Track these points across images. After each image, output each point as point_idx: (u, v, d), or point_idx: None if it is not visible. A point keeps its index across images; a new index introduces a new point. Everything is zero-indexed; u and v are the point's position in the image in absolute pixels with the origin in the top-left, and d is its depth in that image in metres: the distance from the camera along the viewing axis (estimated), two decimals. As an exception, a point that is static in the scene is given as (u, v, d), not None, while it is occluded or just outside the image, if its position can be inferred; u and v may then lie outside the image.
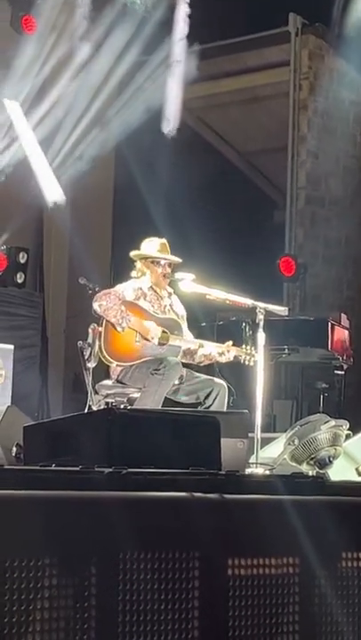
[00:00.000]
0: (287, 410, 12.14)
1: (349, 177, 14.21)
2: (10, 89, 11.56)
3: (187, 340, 7.67)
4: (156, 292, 7.73)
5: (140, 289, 7.67)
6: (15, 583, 3.35)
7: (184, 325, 7.77)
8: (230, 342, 7.71)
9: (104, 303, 7.44)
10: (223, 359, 7.64)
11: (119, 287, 7.70)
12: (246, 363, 7.56)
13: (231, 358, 7.63)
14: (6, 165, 11.67)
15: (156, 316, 7.61)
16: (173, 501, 3.89)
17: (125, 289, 7.65)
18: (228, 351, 7.62)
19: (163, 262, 7.70)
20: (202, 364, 7.77)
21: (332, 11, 13.05)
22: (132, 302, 7.57)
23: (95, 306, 7.46)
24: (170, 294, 7.82)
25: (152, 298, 7.69)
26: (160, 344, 7.50)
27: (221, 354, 7.62)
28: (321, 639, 4.15)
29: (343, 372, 10.87)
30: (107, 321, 7.43)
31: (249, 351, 7.57)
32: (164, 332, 7.54)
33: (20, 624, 3.35)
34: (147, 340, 7.48)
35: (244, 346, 7.71)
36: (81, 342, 7.54)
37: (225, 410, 7.25)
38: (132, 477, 3.94)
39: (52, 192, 12.08)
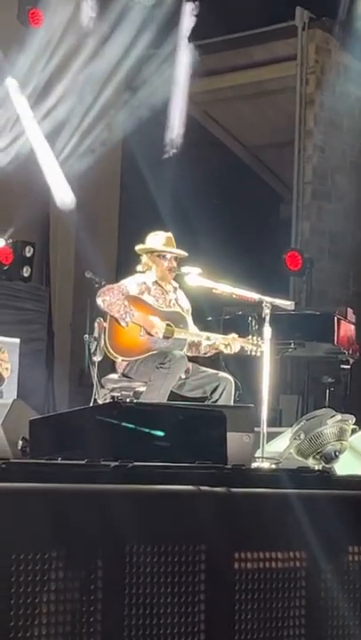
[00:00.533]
0: (293, 404, 12.15)
1: (356, 172, 14.20)
2: (16, 82, 11.56)
3: (192, 332, 7.67)
4: (160, 286, 7.72)
5: (145, 283, 7.67)
6: (22, 576, 3.36)
7: (189, 319, 7.76)
8: (235, 335, 7.70)
9: (107, 298, 7.44)
10: (228, 350, 7.63)
11: (123, 282, 7.70)
12: (253, 354, 7.55)
13: (236, 350, 7.62)
14: (12, 159, 11.67)
15: (161, 310, 7.61)
16: (179, 495, 3.89)
17: (129, 284, 7.65)
18: (234, 343, 7.61)
19: (168, 256, 7.70)
20: (208, 355, 7.76)
21: (338, 5, 13.03)
22: (135, 297, 7.57)
23: (99, 301, 7.47)
24: (175, 289, 7.82)
25: (156, 292, 7.69)
26: (165, 337, 7.51)
27: (226, 345, 7.61)
28: (327, 633, 4.15)
29: (349, 367, 10.88)
30: (111, 316, 7.43)
31: (255, 342, 7.56)
32: (168, 325, 7.54)
33: (27, 617, 3.35)
34: (150, 334, 7.48)
35: (250, 337, 7.70)
36: (87, 336, 7.55)
37: (231, 404, 7.25)
38: (138, 471, 3.94)
39: (59, 187, 12.08)
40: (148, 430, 4.56)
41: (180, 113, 12.89)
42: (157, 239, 7.76)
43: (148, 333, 7.47)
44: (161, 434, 4.55)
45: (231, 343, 7.59)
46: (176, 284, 7.82)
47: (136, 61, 12.38)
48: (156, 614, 3.66)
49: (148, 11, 11.90)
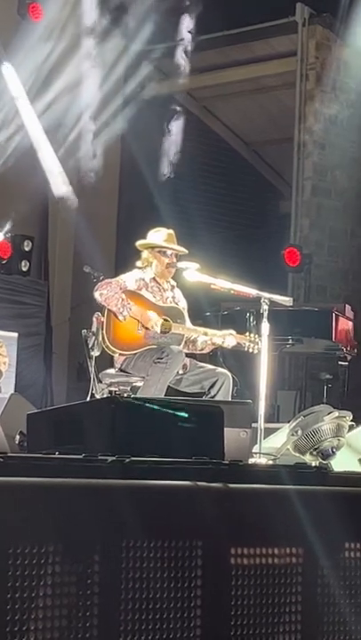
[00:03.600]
0: (291, 400, 12.14)
1: (356, 168, 14.17)
2: (16, 77, 11.55)
3: (189, 328, 7.67)
4: (158, 283, 7.73)
5: (143, 280, 7.67)
6: (19, 570, 3.36)
7: (186, 316, 7.77)
8: (233, 331, 7.71)
9: (105, 292, 7.45)
10: (225, 344, 7.64)
11: (121, 277, 7.71)
12: (250, 350, 7.56)
13: (234, 343, 7.62)
14: (12, 153, 11.66)
15: (158, 305, 7.61)
16: (176, 490, 3.90)
17: (127, 279, 7.65)
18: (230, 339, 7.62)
19: (169, 252, 7.70)
20: (204, 351, 7.77)
21: (339, 1, 13.02)
22: (133, 291, 7.57)
23: (96, 295, 7.47)
24: (173, 287, 7.82)
25: (154, 289, 7.69)
26: (163, 332, 7.51)
27: (223, 340, 7.61)
28: (323, 629, 4.15)
29: (347, 363, 10.87)
30: (108, 310, 7.43)
31: (253, 338, 7.57)
32: (166, 320, 7.54)
33: (24, 611, 3.36)
34: (147, 328, 7.48)
35: (247, 333, 7.71)
36: (85, 331, 7.55)
37: (229, 399, 7.25)
38: (135, 466, 3.94)
39: (58, 181, 12.08)
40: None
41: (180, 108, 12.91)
42: (159, 235, 7.76)
43: (145, 327, 7.48)
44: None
45: (227, 337, 7.60)
46: (174, 283, 7.83)
47: (136, 56, 12.37)
48: (153, 609, 3.66)
49: (148, 6, 11.89)
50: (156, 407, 4.72)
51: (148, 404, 4.78)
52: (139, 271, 7.74)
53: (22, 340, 11.10)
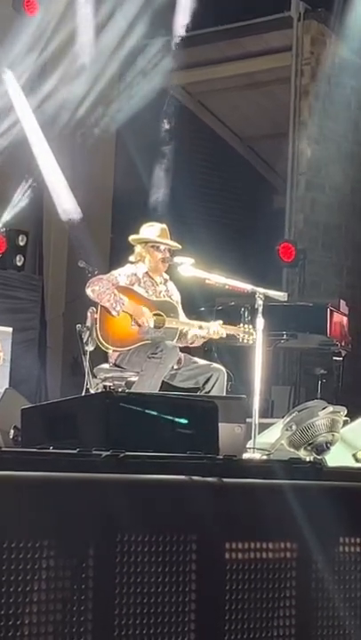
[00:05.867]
0: (285, 396, 12.15)
1: (350, 163, 14.18)
2: (11, 70, 11.53)
3: (183, 321, 7.67)
4: (151, 277, 7.72)
5: (135, 275, 7.66)
6: (13, 565, 3.36)
7: (180, 310, 7.76)
8: (220, 321, 7.72)
9: (97, 288, 7.44)
10: (216, 336, 7.64)
11: (113, 273, 7.70)
12: (245, 341, 7.55)
13: (222, 333, 7.62)
14: (6, 147, 11.64)
15: (151, 300, 7.61)
16: (171, 485, 3.90)
17: (119, 274, 7.65)
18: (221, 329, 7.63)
19: (162, 247, 7.70)
20: (194, 344, 7.76)
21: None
22: (125, 287, 7.57)
23: (88, 291, 7.47)
24: (166, 281, 7.82)
25: (147, 284, 7.69)
26: (156, 327, 7.51)
27: (215, 332, 7.61)
28: (317, 624, 4.16)
29: (341, 359, 10.88)
30: (101, 306, 7.43)
31: (247, 329, 7.56)
32: (158, 314, 7.54)
33: (18, 605, 3.36)
34: (140, 324, 7.48)
35: (241, 325, 7.69)
36: (79, 326, 7.55)
37: (223, 395, 7.25)
38: (129, 460, 3.94)
39: (52, 176, 12.06)
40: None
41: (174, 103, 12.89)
42: (152, 230, 7.75)
43: (137, 323, 7.47)
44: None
45: (218, 329, 7.60)
46: (167, 276, 7.82)
47: (131, 51, 12.35)
48: (147, 604, 3.66)
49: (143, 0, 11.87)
50: (150, 403, 4.72)
51: (142, 400, 4.78)
52: (131, 266, 7.74)
53: (16, 334, 11.09)
